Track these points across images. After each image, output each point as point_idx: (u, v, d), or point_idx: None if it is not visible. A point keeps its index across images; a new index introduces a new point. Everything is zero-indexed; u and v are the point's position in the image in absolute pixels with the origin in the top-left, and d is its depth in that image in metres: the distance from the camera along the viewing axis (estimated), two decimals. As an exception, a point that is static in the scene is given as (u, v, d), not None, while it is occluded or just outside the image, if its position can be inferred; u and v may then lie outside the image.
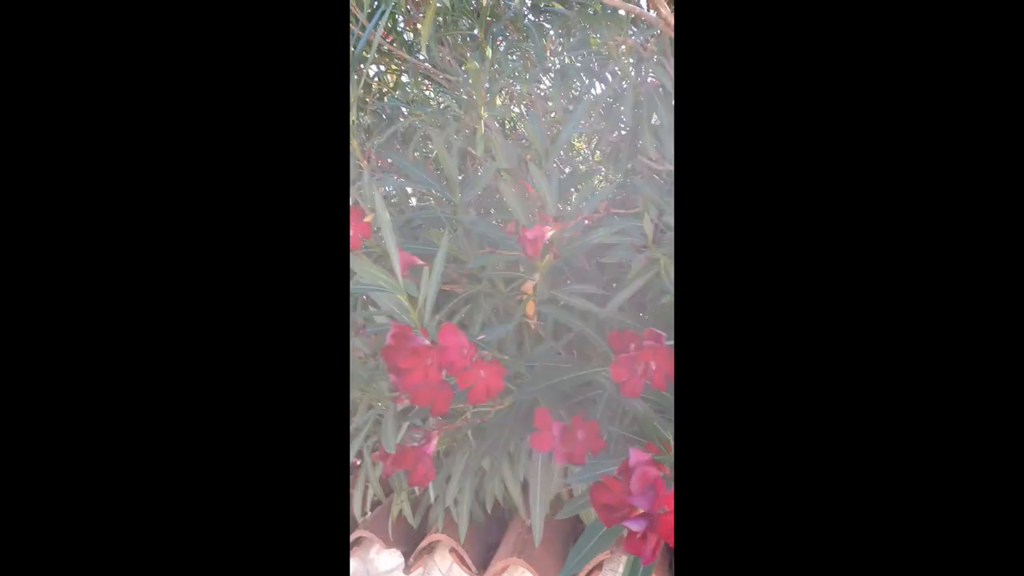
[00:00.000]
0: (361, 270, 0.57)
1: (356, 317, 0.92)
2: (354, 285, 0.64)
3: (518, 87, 1.27)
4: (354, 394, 0.66)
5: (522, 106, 1.33)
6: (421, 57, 1.18)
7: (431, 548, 1.09)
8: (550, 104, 1.26)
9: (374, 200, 0.73)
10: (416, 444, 0.52)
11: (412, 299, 0.61)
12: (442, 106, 1.18)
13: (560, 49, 1.32)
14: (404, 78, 1.28)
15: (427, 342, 0.54)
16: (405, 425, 0.63)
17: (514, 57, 1.31)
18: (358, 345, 0.67)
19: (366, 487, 1.10)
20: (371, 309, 0.75)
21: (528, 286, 0.78)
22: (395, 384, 0.52)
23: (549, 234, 0.68)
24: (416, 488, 0.95)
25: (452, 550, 1.07)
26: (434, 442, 0.54)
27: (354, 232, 0.59)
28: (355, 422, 0.75)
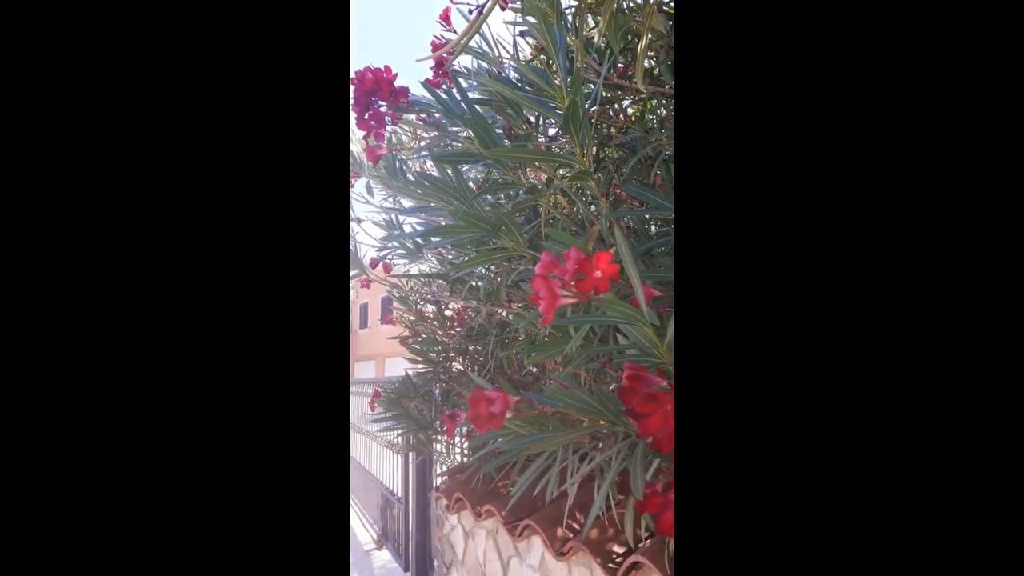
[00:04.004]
0: (607, 306, 0.59)
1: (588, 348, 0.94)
2: (602, 317, 0.67)
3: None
4: (603, 425, 0.68)
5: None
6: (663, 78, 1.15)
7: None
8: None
9: (614, 234, 0.75)
10: (660, 491, 0.50)
11: (658, 332, 0.59)
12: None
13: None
14: (654, 102, 1.28)
15: (665, 384, 0.52)
16: (652, 464, 0.61)
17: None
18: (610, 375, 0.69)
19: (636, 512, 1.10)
20: (619, 340, 0.76)
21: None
22: (636, 427, 0.52)
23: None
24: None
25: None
26: (679, 491, 0.51)
27: (602, 275, 0.61)
28: (602, 453, 0.77)
